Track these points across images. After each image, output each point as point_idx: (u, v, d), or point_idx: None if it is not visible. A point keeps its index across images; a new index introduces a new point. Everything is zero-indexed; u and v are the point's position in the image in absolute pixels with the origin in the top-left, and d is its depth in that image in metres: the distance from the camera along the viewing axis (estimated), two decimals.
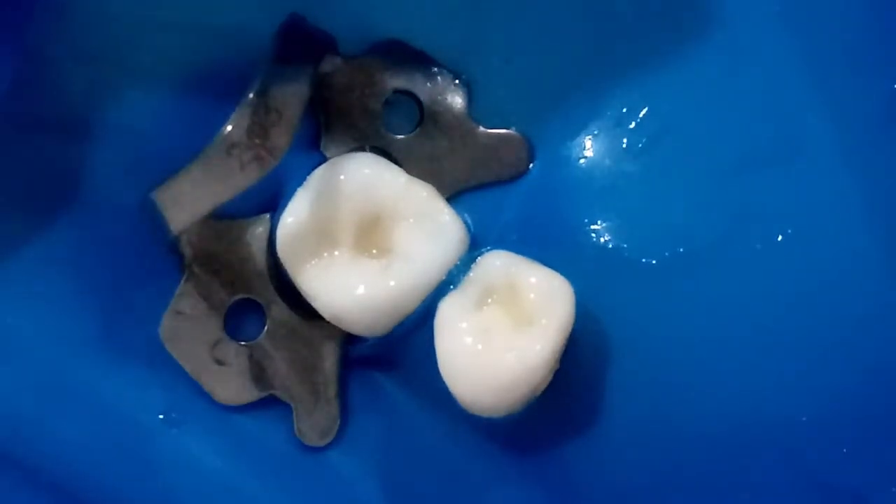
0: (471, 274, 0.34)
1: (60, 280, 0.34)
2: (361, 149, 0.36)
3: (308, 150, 0.36)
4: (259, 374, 0.35)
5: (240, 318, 0.35)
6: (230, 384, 0.35)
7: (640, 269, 0.35)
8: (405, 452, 0.37)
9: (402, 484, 0.36)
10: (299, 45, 0.33)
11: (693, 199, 0.35)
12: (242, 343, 0.35)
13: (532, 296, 0.33)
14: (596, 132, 0.36)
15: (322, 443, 0.36)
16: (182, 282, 0.35)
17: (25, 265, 0.34)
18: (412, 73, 0.36)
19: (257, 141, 0.32)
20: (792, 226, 0.34)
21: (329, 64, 0.35)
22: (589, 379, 0.35)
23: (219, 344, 0.35)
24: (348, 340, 0.36)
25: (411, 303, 0.34)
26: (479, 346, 0.33)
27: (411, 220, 0.34)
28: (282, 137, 0.32)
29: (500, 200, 0.36)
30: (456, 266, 0.34)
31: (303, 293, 0.34)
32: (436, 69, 0.36)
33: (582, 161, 0.36)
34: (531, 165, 0.36)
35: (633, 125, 0.36)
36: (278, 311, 0.35)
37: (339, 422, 0.36)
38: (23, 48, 0.33)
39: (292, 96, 0.32)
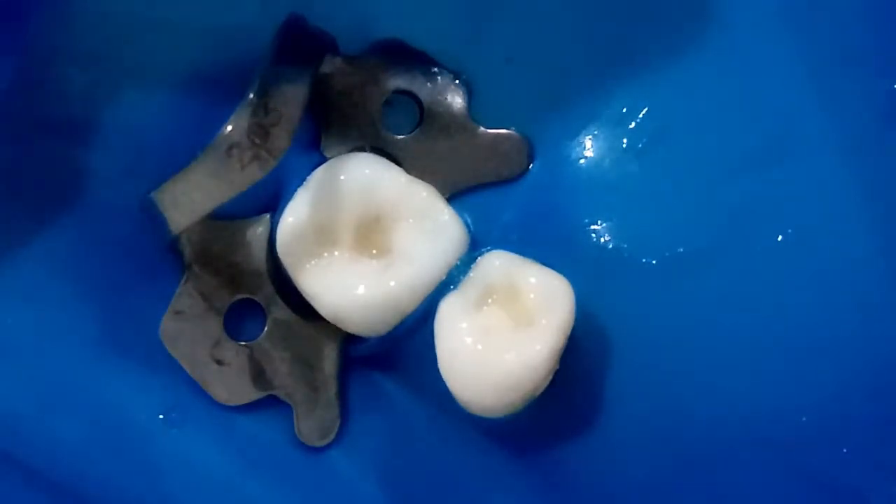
0: (471, 274, 0.34)
1: (60, 280, 0.34)
2: (361, 149, 0.36)
3: (308, 150, 0.36)
4: (259, 374, 0.35)
5: (240, 318, 0.35)
6: (230, 384, 0.35)
7: (640, 269, 0.35)
8: (405, 452, 0.37)
9: (402, 484, 0.36)
10: (299, 45, 0.33)
11: (693, 199, 0.35)
12: (242, 343, 0.35)
13: (532, 296, 0.33)
14: (596, 132, 0.36)
15: (322, 443, 0.36)
16: (182, 282, 0.35)
17: (25, 265, 0.34)
18: (412, 73, 0.36)
19: (257, 141, 0.32)
20: (792, 226, 0.34)
21: (329, 64, 0.35)
22: (589, 379, 0.35)
23: (219, 344, 0.35)
24: (348, 340, 0.36)
25: (411, 303, 0.34)
26: (479, 346, 0.33)
27: (411, 220, 0.34)
28: (282, 137, 0.32)
29: (500, 200, 0.36)
30: (456, 266, 0.34)
31: (303, 293, 0.34)
32: (436, 69, 0.36)
33: (582, 161, 0.36)
34: (531, 165, 0.36)
35: (633, 125, 0.36)
36: (278, 311, 0.35)
37: (339, 422, 0.36)
38: (23, 48, 0.33)
39: (292, 96, 0.32)
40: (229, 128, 0.32)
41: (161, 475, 0.35)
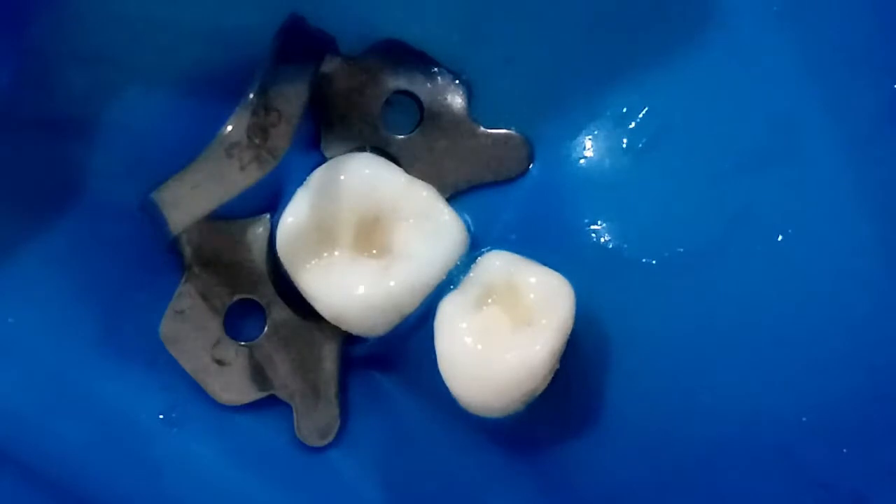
0: (471, 274, 0.34)
1: (61, 280, 0.34)
2: (361, 149, 0.36)
3: (308, 150, 0.36)
4: (259, 374, 0.35)
5: (240, 318, 0.35)
6: (230, 384, 0.35)
7: (640, 269, 0.35)
8: (405, 452, 0.37)
9: (402, 484, 0.36)
10: (299, 45, 0.33)
11: (693, 199, 0.35)
12: (242, 343, 0.35)
13: (532, 296, 0.33)
14: (596, 132, 0.36)
15: (322, 443, 0.36)
16: (182, 282, 0.35)
17: (25, 265, 0.34)
18: (412, 73, 0.36)
19: (257, 141, 0.32)
20: (792, 226, 0.34)
21: (329, 64, 0.35)
22: (589, 379, 0.35)
23: (219, 344, 0.35)
24: (348, 340, 0.36)
25: (411, 303, 0.34)
26: (479, 346, 0.33)
27: (411, 220, 0.34)
28: (282, 138, 0.32)
29: (500, 200, 0.36)
30: (456, 266, 0.34)
31: (303, 293, 0.34)
32: (436, 69, 0.36)
33: (582, 161, 0.36)
34: (531, 165, 0.36)
35: (633, 125, 0.36)
36: (278, 311, 0.35)
37: (339, 422, 0.36)
38: (23, 48, 0.33)
39: (292, 96, 0.32)
40: (229, 128, 0.32)
41: (161, 475, 0.35)
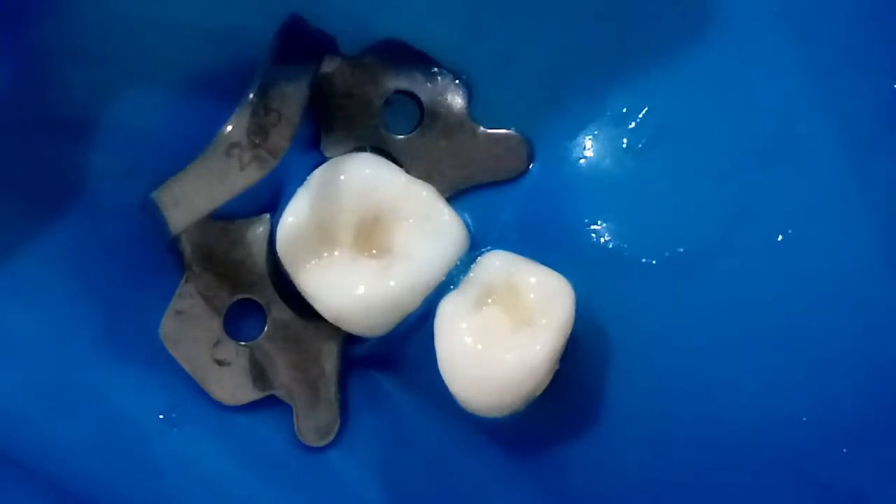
0: (471, 274, 0.34)
1: (61, 280, 0.34)
2: (361, 149, 0.36)
3: (308, 150, 0.36)
4: (259, 374, 0.35)
5: (240, 318, 0.35)
6: (230, 384, 0.35)
7: (640, 269, 0.35)
8: (405, 452, 0.37)
9: (402, 484, 0.36)
10: (299, 45, 0.33)
11: (693, 199, 0.35)
12: (242, 343, 0.35)
13: (532, 296, 0.33)
14: (596, 132, 0.36)
15: (322, 443, 0.36)
16: (182, 282, 0.35)
17: (26, 265, 0.34)
18: (412, 73, 0.36)
19: (257, 141, 0.32)
20: (792, 226, 0.34)
21: (329, 64, 0.35)
22: (589, 379, 0.35)
23: (219, 344, 0.35)
24: (348, 340, 0.36)
25: (411, 303, 0.34)
26: (479, 346, 0.33)
27: (411, 220, 0.34)
28: (282, 138, 0.32)
29: (500, 200, 0.36)
30: (456, 266, 0.34)
31: (303, 293, 0.34)
32: (436, 69, 0.36)
33: (582, 161, 0.36)
34: (531, 165, 0.36)
35: (633, 125, 0.36)
36: (278, 311, 0.35)
37: (339, 422, 0.36)
38: (23, 48, 0.33)
39: (292, 96, 0.32)
40: (229, 128, 0.32)
41: (161, 475, 0.35)
